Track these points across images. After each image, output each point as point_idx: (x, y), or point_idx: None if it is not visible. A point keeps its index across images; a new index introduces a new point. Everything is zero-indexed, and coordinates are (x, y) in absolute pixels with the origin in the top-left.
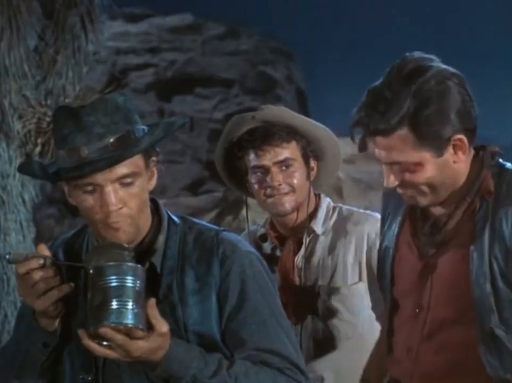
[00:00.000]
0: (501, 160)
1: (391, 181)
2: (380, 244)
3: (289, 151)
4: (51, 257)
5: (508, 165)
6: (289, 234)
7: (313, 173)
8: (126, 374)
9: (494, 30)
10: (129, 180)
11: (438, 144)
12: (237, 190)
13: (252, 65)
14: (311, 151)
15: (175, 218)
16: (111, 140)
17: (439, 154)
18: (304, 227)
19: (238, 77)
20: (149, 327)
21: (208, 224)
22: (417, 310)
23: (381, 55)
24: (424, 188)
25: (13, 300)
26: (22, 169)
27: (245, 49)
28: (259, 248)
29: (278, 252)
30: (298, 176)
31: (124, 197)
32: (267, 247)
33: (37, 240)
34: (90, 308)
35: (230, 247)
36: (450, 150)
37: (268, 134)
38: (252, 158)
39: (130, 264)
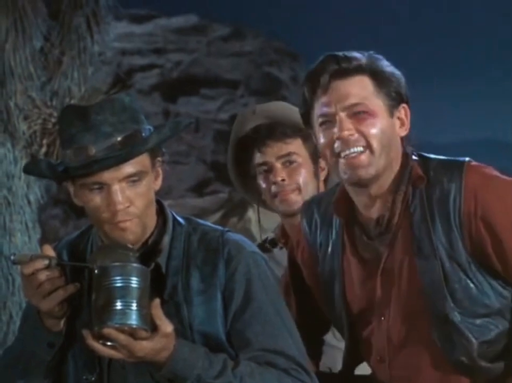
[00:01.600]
0: (421, 153)
1: (348, 127)
2: (322, 270)
3: (293, 146)
4: (56, 257)
5: (428, 155)
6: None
7: (324, 174)
8: (131, 374)
9: (494, 30)
10: (135, 179)
11: (392, 99)
12: (249, 199)
13: (257, 65)
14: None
15: (180, 219)
16: (118, 138)
17: (390, 113)
18: None
19: (243, 78)
20: (154, 328)
21: (212, 225)
22: (382, 318)
23: (383, 54)
24: (375, 144)
25: (18, 300)
26: (28, 169)
27: (250, 50)
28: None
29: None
30: (303, 174)
31: (131, 196)
32: (277, 253)
33: (42, 241)
34: (94, 308)
35: (235, 247)
36: (397, 115)
37: (271, 129)
38: (257, 157)
39: (134, 264)
